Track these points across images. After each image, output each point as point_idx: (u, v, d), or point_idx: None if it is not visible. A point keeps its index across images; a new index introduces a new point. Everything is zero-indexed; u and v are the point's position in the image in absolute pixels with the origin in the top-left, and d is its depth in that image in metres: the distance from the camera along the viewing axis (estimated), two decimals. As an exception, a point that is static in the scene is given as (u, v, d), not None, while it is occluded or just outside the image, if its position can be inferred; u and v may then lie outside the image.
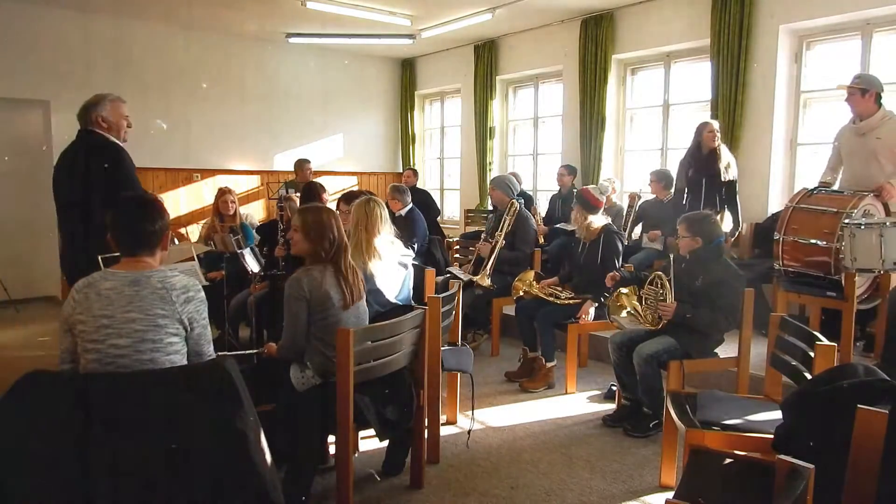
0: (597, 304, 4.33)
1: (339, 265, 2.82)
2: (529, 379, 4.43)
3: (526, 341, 4.62)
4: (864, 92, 4.05)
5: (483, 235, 5.32)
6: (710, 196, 4.98)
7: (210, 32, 7.87)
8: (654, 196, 5.97)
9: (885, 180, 4.02)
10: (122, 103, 3.42)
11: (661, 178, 5.83)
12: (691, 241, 3.59)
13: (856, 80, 4.10)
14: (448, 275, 5.21)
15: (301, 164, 7.82)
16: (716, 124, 5.08)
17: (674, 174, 5.59)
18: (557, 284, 4.60)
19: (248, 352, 3.17)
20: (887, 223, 3.66)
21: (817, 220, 3.96)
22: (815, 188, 4.23)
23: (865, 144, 4.13)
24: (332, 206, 5.11)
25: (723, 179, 4.97)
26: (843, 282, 3.88)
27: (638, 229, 6.07)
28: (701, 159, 5.04)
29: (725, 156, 5.02)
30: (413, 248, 5.46)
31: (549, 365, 4.40)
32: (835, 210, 3.90)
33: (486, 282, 4.91)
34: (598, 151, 6.99)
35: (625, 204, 6.44)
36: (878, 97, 4.09)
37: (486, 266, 4.99)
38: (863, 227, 3.67)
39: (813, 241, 3.93)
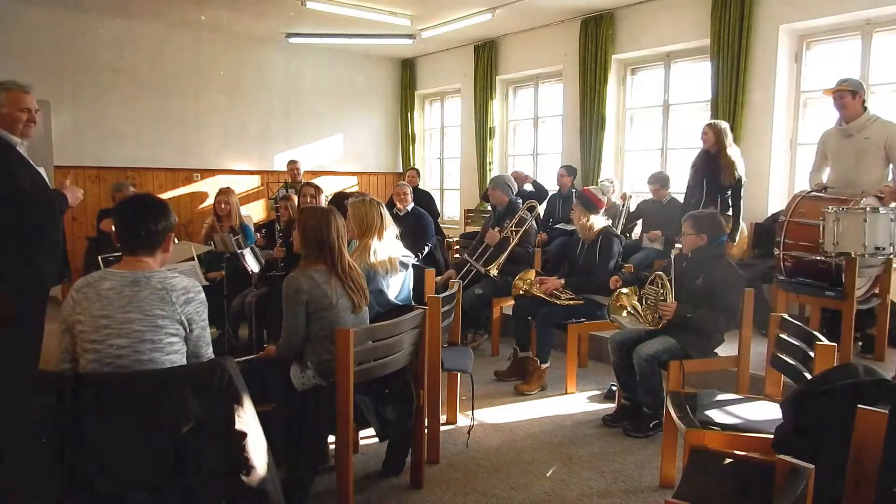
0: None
1: (335, 268, 2.80)
2: (523, 381, 4.42)
3: (518, 341, 4.60)
4: (854, 94, 4.11)
5: (495, 227, 5.29)
6: (712, 197, 4.97)
7: (210, 32, 7.87)
8: (651, 197, 5.99)
9: (884, 184, 4.05)
10: (23, 94, 3.05)
11: (660, 181, 5.87)
12: (696, 239, 3.59)
13: (844, 83, 4.14)
14: (461, 262, 5.23)
15: (288, 165, 7.86)
16: (723, 124, 5.01)
17: (672, 175, 5.60)
18: (560, 286, 4.56)
19: (247, 357, 3.16)
20: (868, 208, 3.70)
21: (826, 204, 3.96)
22: (824, 188, 4.28)
23: (854, 145, 4.18)
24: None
25: (724, 183, 4.92)
26: (842, 276, 3.88)
27: (638, 230, 6.07)
28: (704, 160, 5.05)
29: (730, 157, 4.95)
30: (423, 251, 5.48)
31: (543, 366, 4.38)
32: (844, 198, 3.95)
33: (495, 272, 4.92)
34: (598, 151, 6.98)
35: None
36: (864, 100, 4.17)
37: (497, 257, 5.00)
38: (845, 210, 3.70)
39: (819, 222, 3.91)
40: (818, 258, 3.95)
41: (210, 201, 6.95)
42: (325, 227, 2.80)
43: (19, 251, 3.05)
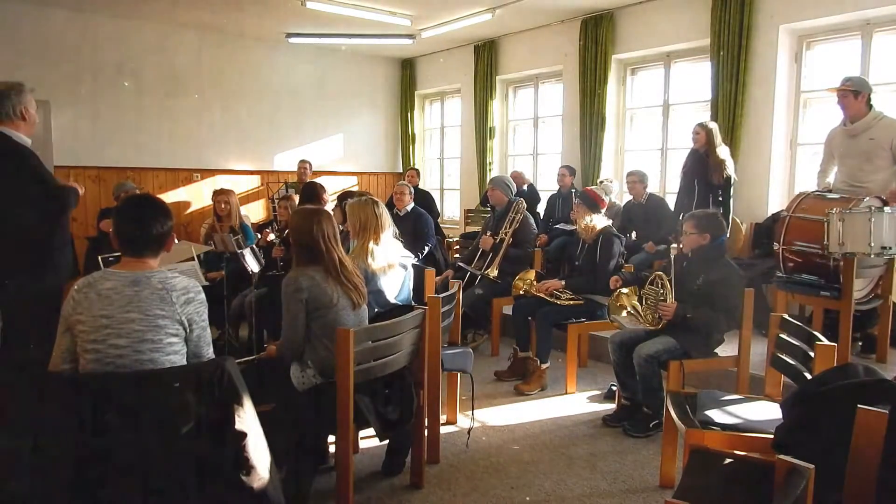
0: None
1: (329, 267, 2.80)
2: (523, 381, 4.41)
3: (518, 341, 4.60)
4: (857, 94, 4.07)
5: (487, 232, 5.30)
6: (703, 197, 4.97)
7: (210, 32, 7.87)
8: (632, 198, 6.05)
9: (886, 185, 4.03)
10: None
11: (638, 174, 5.91)
12: (698, 238, 3.58)
13: (847, 83, 4.10)
14: (457, 267, 5.24)
15: (298, 165, 7.88)
16: (713, 124, 5.05)
17: (672, 176, 5.60)
18: (560, 286, 4.54)
19: (248, 358, 3.16)
20: (873, 207, 3.68)
21: (829, 203, 3.96)
22: (828, 190, 4.28)
23: (858, 145, 4.15)
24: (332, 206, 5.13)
25: (714, 182, 4.92)
26: (839, 275, 3.87)
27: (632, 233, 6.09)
28: (694, 161, 5.06)
29: (719, 156, 4.95)
30: (423, 251, 5.47)
31: (543, 366, 4.38)
32: (847, 198, 3.94)
33: (495, 272, 4.93)
34: (598, 151, 6.98)
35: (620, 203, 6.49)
36: (869, 99, 4.11)
37: (494, 259, 5.00)
38: (850, 210, 3.70)
39: (820, 218, 3.89)
40: (818, 250, 3.92)
41: (209, 201, 6.94)
42: (308, 230, 2.80)
43: (38, 250, 3.09)
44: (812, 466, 1.54)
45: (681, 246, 3.94)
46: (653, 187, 6.27)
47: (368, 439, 3.39)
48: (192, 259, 4.13)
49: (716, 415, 2.67)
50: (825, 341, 2.48)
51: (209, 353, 2.18)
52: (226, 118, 8.13)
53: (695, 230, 3.60)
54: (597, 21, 6.88)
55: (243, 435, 1.92)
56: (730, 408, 2.77)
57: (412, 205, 5.75)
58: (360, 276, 2.95)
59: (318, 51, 8.76)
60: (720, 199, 4.93)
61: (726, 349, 3.65)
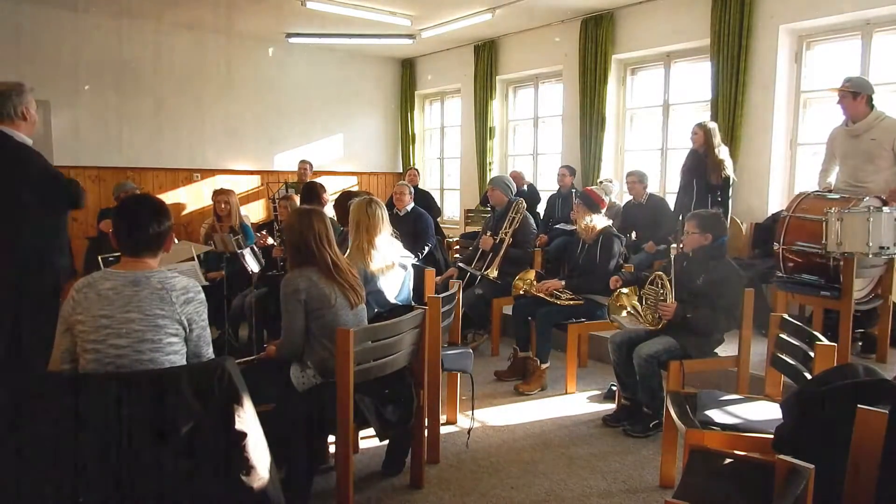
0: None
1: (323, 268, 2.79)
2: (524, 381, 4.42)
3: (518, 341, 4.60)
4: (856, 95, 4.05)
5: (487, 232, 5.30)
6: (702, 196, 4.97)
7: (210, 32, 7.87)
8: (632, 198, 6.06)
9: (888, 185, 4.03)
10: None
11: (637, 175, 5.94)
12: (700, 238, 3.58)
13: (846, 83, 4.09)
14: (457, 268, 5.23)
15: (299, 165, 7.89)
16: (711, 124, 5.06)
17: (672, 176, 5.61)
18: (560, 286, 4.54)
19: (248, 358, 3.16)
20: (871, 207, 3.67)
21: (828, 203, 3.95)
22: (829, 190, 4.28)
23: (860, 146, 4.13)
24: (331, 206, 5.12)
25: (713, 182, 4.93)
26: (839, 275, 3.87)
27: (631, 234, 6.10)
28: (693, 161, 5.07)
29: (717, 156, 4.96)
30: (423, 251, 5.47)
31: (543, 367, 4.38)
32: (846, 198, 3.93)
33: (495, 273, 4.93)
34: (598, 151, 6.99)
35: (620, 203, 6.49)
36: (870, 99, 4.09)
37: (494, 260, 5.00)
38: (848, 210, 3.69)
39: (819, 218, 3.87)
40: (818, 250, 3.92)
41: (209, 201, 6.94)
42: (299, 231, 2.79)
43: (39, 250, 3.09)
44: (812, 466, 1.55)
45: (681, 246, 3.94)
46: (653, 187, 6.28)
47: (368, 439, 3.39)
48: (192, 259, 4.13)
49: (716, 415, 2.67)
50: (825, 341, 2.47)
51: (209, 352, 2.18)
52: (226, 118, 8.13)
53: (697, 230, 3.60)
54: (597, 21, 6.88)
55: (243, 435, 1.92)
56: (730, 408, 2.77)
57: (412, 205, 5.75)
58: (356, 276, 2.94)
59: (319, 51, 8.76)
60: (719, 198, 4.94)
61: (726, 349, 3.65)
